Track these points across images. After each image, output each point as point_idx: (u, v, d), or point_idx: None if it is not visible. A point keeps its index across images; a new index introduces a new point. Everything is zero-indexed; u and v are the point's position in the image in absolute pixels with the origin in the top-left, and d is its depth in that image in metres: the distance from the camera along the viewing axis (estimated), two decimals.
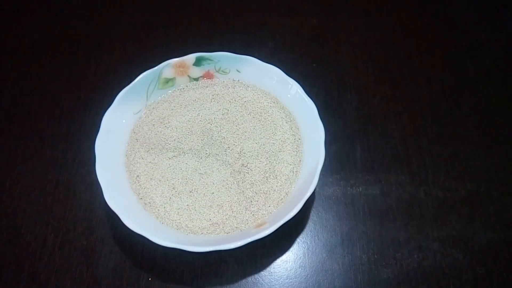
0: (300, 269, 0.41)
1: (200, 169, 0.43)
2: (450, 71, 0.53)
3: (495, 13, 0.59)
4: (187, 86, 0.47)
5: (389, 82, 0.52)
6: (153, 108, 0.46)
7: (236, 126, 0.45)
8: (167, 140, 0.44)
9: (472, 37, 0.56)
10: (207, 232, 0.39)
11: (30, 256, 0.42)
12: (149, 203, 0.41)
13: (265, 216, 0.40)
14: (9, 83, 0.53)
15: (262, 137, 0.44)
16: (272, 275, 0.41)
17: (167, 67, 0.46)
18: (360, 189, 0.45)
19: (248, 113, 0.46)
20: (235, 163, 0.43)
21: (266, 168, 0.43)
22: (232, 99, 0.47)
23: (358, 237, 0.43)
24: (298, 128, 0.44)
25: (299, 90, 0.44)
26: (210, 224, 0.40)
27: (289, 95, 0.45)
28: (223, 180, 0.42)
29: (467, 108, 0.50)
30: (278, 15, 0.58)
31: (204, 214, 0.40)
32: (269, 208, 0.40)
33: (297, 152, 0.43)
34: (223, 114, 0.46)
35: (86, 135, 0.48)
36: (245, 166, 0.43)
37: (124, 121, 0.44)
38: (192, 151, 0.44)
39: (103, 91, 0.52)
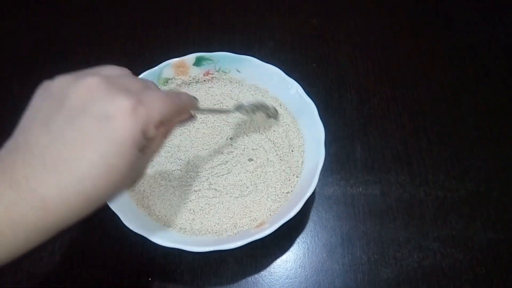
0: (300, 269, 0.41)
1: (201, 170, 0.43)
2: (450, 71, 0.53)
3: (495, 13, 0.59)
4: (184, 82, 0.47)
5: (389, 82, 0.52)
6: None
7: (236, 126, 0.45)
8: (168, 140, 0.44)
9: (472, 37, 0.56)
10: (207, 232, 0.39)
11: (30, 256, 0.42)
12: (149, 203, 0.41)
13: (265, 216, 0.40)
14: (9, 83, 0.53)
15: (261, 137, 0.44)
16: (272, 275, 0.41)
17: (167, 67, 0.45)
18: (360, 189, 0.45)
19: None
20: (236, 165, 0.43)
21: (266, 168, 0.43)
22: (232, 99, 0.47)
23: (358, 237, 0.43)
24: (298, 128, 0.44)
25: (299, 90, 0.44)
26: (210, 224, 0.40)
27: (289, 95, 0.45)
28: (223, 181, 0.42)
29: (467, 108, 0.50)
30: (278, 15, 0.58)
31: (204, 214, 0.40)
32: (269, 208, 0.40)
33: (297, 152, 0.43)
34: (224, 118, 0.46)
35: None
36: (244, 165, 0.43)
37: None
38: (191, 150, 0.44)
39: None
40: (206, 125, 0.45)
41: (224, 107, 0.46)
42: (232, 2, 0.60)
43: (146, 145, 0.25)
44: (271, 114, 0.43)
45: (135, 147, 0.24)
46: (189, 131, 0.45)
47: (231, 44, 0.56)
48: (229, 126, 0.45)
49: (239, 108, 0.42)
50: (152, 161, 0.27)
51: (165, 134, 0.29)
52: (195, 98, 0.33)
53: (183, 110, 0.30)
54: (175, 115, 0.28)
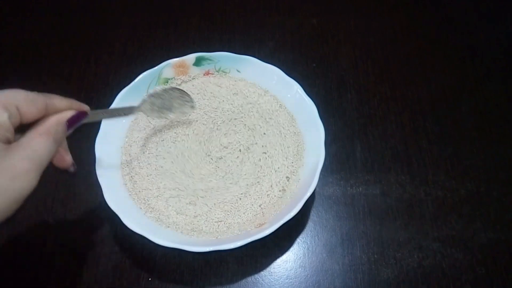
0: (300, 269, 0.41)
1: (199, 169, 0.43)
2: (450, 71, 0.53)
3: (495, 13, 0.59)
4: (185, 82, 0.47)
5: (389, 82, 0.52)
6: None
7: (236, 126, 0.45)
8: (167, 140, 0.44)
9: (472, 37, 0.56)
10: (207, 232, 0.39)
11: (30, 256, 0.42)
12: (149, 203, 0.41)
13: (265, 216, 0.40)
14: (9, 83, 0.53)
15: (261, 137, 0.44)
16: (272, 275, 0.41)
17: (167, 67, 0.46)
18: (360, 189, 0.45)
19: (248, 113, 0.46)
20: (235, 163, 0.43)
21: (265, 168, 0.43)
22: (231, 100, 0.47)
23: (358, 237, 0.43)
24: (298, 128, 0.44)
25: (299, 90, 0.44)
26: (210, 224, 0.40)
27: (289, 95, 0.45)
28: (222, 180, 0.42)
29: (467, 108, 0.50)
30: (278, 15, 0.58)
31: (204, 215, 0.40)
32: (269, 208, 0.40)
33: (297, 152, 0.43)
34: (222, 114, 0.46)
35: (86, 135, 0.48)
36: (245, 166, 0.43)
37: (124, 121, 0.44)
38: (191, 150, 0.44)
39: (103, 91, 0.52)
40: (203, 124, 0.45)
41: (223, 108, 0.46)
42: (232, 2, 0.60)
43: (11, 139, 0.25)
44: (187, 100, 0.42)
45: None
46: (187, 133, 0.45)
47: (231, 44, 0.56)
48: (228, 125, 0.45)
49: (147, 101, 0.40)
50: (40, 175, 0.27)
51: (46, 132, 0.27)
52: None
53: (52, 104, 0.29)
54: (39, 104, 0.28)
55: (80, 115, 0.30)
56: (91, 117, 0.32)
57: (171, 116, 0.42)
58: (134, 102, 0.45)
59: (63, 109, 0.30)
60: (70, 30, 0.58)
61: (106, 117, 0.38)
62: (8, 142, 0.25)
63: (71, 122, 0.30)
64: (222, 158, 0.43)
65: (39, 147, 0.26)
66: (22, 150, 0.25)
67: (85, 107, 0.32)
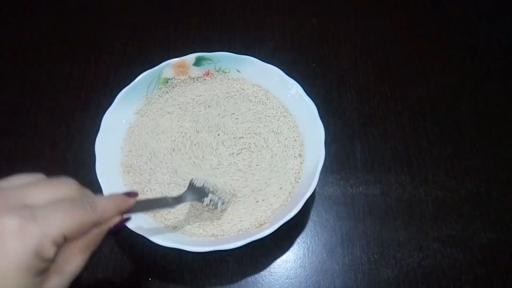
0: (300, 269, 0.41)
1: (199, 170, 0.43)
2: (450, 71, 0.53)
3: (495, 13, 0.59)
4: (184, 82, 0.47)
5: (389, 82, 0.52)
6: (152, 107, 0.46)
7: (236, 126, 0.45)
8: (167, 140, 0.44)
9: (472, 37, 0.56)
10: (207, 233, 0.39)
11: None
12: None
13: (266, 216, 0.40)
14: (9, 83, 0.53)
15: (262, 137, 0.44)
16: (272, 275, 0.41)
17: (167, 67, 0.46)
18: (360, 189, 0.45)
19: (248, 113, 0.46)
20: (235, 163, 0.43)
21: (266, 168, 0.43)
22: (232, 99, 0.47)
23: (358, 237, 0.43)
24: (298, 128, 0.44)
25: (299, 90, 0.44)
26: (210, 225, 0.40)
27: (289, 95, 0.45)
28: (222, 181, 0.42)
29: (467, 108, 0.50)
30: (278, 15, 0.58)
31: (204, 214, 0.40)
32: (269, 208, 0.40)
33: (297, 152, 0.43)
34: (223, 114, 0.46)
35: (86, 135, 0.48)
36: (245, 166, 0.43)
37: (124, 121, 0.44)
38: (191, 151, 0.44)
39: (103, 91, 0.52)
40: (202, 123, 0.45)
41: (223, 108, 0.46)
42: (232, 2, 0.60)
43: (50, 267, 0.23)
44: (222, 202, 0.39)
45: (28, 272, 0.21)
46: (186, 134, 0.45)
47: (231, 44, 0.56)
48: (228, 125, 0.45)
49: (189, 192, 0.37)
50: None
51: (86, 248, 0.25)
52: (130, 195, 0.29)
53: (101, 220, 0.26)
54: (88, 226, 0.25)
55: (124, 222, 0.29)
56: (135, 210, 0.30)
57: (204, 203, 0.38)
58: (134, 102, 0.45)
59: (110, 218, 0.27)
60: (70, 30, 0.58)
61: (151, 209, 0.35)
62: (46, 269, 0.23)
63: (113, 230, 0.28)
64: (223, 159, 0.43)
65: (75, 266, 0.25)
66: (58, 278, 0.24)
67: (130, 201, 0.29)
